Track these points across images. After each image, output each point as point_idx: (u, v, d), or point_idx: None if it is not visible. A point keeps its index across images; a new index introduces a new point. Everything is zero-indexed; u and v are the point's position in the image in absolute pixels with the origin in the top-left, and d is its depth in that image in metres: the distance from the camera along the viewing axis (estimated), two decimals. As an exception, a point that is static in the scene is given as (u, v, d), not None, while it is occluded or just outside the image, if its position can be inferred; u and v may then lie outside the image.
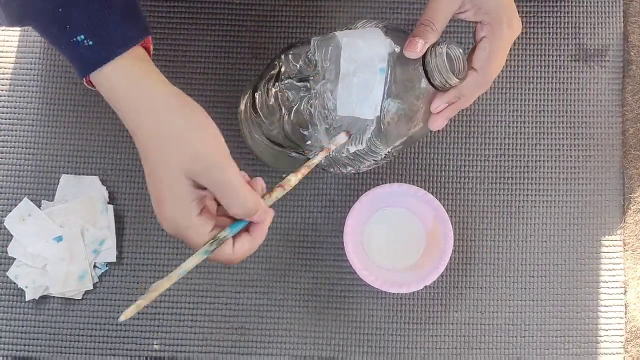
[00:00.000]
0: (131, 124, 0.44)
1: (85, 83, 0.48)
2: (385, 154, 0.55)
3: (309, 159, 0.57)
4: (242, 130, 0.63)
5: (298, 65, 0.54)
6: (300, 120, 0.53)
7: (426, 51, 0.50)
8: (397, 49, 0.51)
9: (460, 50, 0.50)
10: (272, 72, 0.57)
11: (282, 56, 0.55)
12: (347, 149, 0.54)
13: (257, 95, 0.58)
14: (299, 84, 0.53)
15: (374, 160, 0.55)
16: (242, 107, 0.63)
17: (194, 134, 0.43)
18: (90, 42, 0.43)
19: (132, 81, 0.44)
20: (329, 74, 0.51)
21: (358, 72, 0.50)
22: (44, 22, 0.44)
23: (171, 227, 0.44)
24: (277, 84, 0.55)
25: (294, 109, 0.54)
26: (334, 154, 0.55)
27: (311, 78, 0.52)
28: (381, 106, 0.51)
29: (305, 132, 0.54)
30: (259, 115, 0.58)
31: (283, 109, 0.54)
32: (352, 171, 0.57)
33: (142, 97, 0.44)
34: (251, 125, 0.60)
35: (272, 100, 0.55)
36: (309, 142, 0.55)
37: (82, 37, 0.43)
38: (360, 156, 0.55)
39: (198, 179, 0.43)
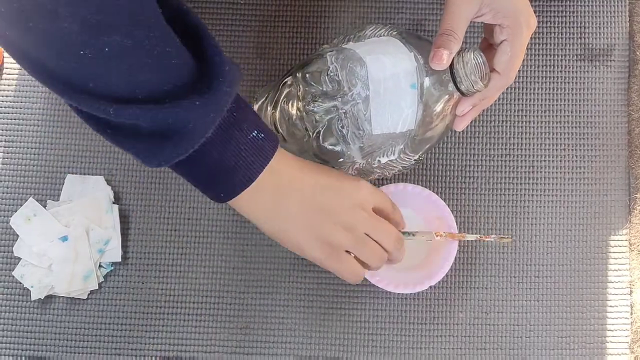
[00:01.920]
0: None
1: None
2: (415, 160, 0.55)
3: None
4: None
5: (321, 87, 0.53)
6: (331, 140, 0.53)
7: (452, 59, 0.51)
8: (421, 60, 0.52)
9: (483, 56, 0.51)
10: (289, 90, 0.56)
11: (299, 75, 0.55)
12: (378, 160, 0.54)
13: (277, 115, 0.57)
14: (325, 105, 0.53)
15: (403, 166, 0.56)
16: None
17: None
18: (262, 135, 0.49)
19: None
20: (357, 94, 0.51)
21: (388, 91, 0.51)
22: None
23: (370, 199, 0.53)
24: (301, 105, 0.54)
25: (322, 130, 0.53)
26: (363, 166, 0.55)
27: (339, 98, 0.52)
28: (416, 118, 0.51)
29: (338, 150, 0.54)
30: (281, 135, 0.57)
31: (310, 130, 0.54)
32: (381, 176, 0.57)
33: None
34: None
35: (296, 119, 0.55)
36: (341, 160, 0.55)
37: (255, 132, 0.48)
38: (390, 165, 0.55)
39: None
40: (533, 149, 0.69)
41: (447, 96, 0.52)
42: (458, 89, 0.51)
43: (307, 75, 0.54)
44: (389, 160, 0.54)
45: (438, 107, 0.52)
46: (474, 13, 0.52)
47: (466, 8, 0.51)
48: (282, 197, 0.50)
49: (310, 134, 0.54)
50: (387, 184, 0.65)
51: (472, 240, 0.62)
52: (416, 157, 0.55)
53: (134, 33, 0.39)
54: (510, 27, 0.52)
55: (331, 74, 0.53)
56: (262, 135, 0.48)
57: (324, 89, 0.53)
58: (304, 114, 0.53)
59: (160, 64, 0.42)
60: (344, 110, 0.52)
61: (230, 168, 0.48)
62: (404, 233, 0.60)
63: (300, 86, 0.54)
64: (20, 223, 0.66)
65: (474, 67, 0.50)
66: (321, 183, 0.51)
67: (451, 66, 0.51)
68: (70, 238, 0.65)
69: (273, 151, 0.49)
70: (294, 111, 0.55)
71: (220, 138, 0.46)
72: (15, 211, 0.67)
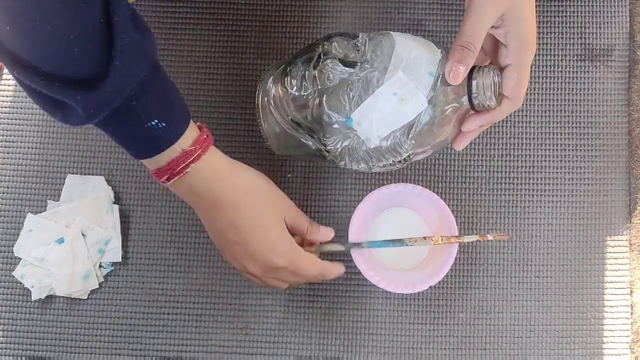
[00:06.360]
0: (221, 187, 0.54)
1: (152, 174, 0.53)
2: (404, 158, 0.55)
3: (325, 149, 0.57)
4: (258, 117, 0.63)
5: (345, 52, 0.55)
6: (334, 102, 0.54)
7: (472, 71, 0.52)
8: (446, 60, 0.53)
9: (500, 76, 0.53)
10: (312, 54, 0.57)
11: (326, 42, 0.56)
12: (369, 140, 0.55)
13: (290, 70, 0.58)
14: (343, 67, 0.54)
15: (392, 160, 0.56)
16: (264, 88, 0.62)
17: (277, 189, 0.58)
18: (163, 124, 0.49)
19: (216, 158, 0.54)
20: (377, 64, 0.53)
21: (407, 69, 0.52)
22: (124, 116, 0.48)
23: (287, 258, 0.55)
24: (319, 63, 0.55)
25: (331, 90, 0.54)
26: (353, 144, 0.55)
27: (358, 64, 0.53)
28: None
29: (336, 115, 0.54)
30: (288, 92, 0.57)
31: (318, 87, 0.55)
32: (364, 169, 0.57)
33: (228, 165, 0.55)
34: (272, 106, 0.60)
35: (310, 77, 0.55)
36: (335, 126, 0.55)
37: (155, 121, 0.49)
38: (379, 153, 0.55)
39: (290, 220, 0.57)
40: (533, 149, 0.69)
41: (456, 104, 0.53)
42: (470, 102, 0.52)
43: (335, 43, 0.56)
44: (380, 146, 0.54)
45: (445, 110, 0.53)
46: (491, 24, 0.52)
47: (486, 22, 0.51)
48: (197, 202, 0.55)
49: (316, 91, 0.54)
50: (387, 184, 0.65)
51: (471, 242, 0.62)
52: (406, 154, 0.55)
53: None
54: (516, 52, 0.52)
55: (358, 44, 0.55)
56: (164, 124, 0.49)
57: (345, 53, 0.54)
58: (321, 71, 0.55)
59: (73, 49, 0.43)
60: (358, 77, 0.53)
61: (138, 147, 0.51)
62: (402, 240, 0.60)
63: (326, 49, 0.56)
64: (22, 243, 0.66)
65: (491, 85, 0.52)
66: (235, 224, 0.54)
67: (468, 78, 0.52)
68: (66, 240, 0.65)
69: (175, 139, 0.50)
70: (310, 68, 0.55)
71: (113, 121, 0.48)
72: (15, 210, 0.67)
